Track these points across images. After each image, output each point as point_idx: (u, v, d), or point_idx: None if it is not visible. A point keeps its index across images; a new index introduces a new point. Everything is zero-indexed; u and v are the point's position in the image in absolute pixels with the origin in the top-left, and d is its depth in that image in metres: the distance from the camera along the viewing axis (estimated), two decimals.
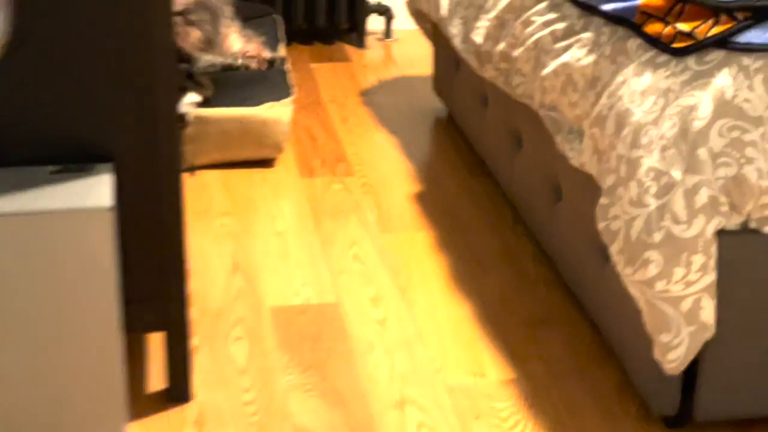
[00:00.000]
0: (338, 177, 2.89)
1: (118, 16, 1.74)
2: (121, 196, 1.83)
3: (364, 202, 2.76)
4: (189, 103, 2.82)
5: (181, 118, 2.82)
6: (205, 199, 2.75)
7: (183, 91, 2.84)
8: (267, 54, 3.19)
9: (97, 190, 1.74)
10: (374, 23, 3.92)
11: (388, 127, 3.21)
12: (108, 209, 1.70)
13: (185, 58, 3.04)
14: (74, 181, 1.76)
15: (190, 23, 3.07)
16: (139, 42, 1.77)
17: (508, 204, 2.75)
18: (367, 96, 3.44)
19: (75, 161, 1.81)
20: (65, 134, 1.79)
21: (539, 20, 2.31)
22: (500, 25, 2.51)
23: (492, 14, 2.56)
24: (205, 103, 2.86)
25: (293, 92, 3.00)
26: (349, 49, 3.85)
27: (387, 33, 3.94)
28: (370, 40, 3.91)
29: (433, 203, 2.77)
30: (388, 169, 2.95)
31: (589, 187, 2.10)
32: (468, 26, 2.74)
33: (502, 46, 2.48)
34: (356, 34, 3.86)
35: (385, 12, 3.90)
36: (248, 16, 3.55)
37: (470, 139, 2.99)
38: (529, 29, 2.33)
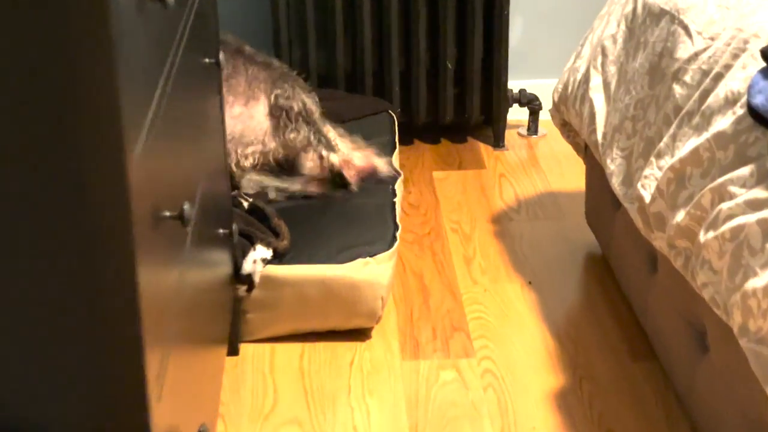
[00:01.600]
0: (452, 359, 2.15)
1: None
2: None
3: (484, 406, 2.01)
4: (257, 259, 2.14)
5: (246, 280, 2.14)
6: (271, 392, 2.06)
7: (250, 241, 2.16)
8: (384, 168, 2.49)
9: None
10: (516, 113, 3.17)
11: (525, 272, 2.45)
12: None
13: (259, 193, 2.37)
14: None
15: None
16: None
17: (686, 415, 1.95)
18: (502, 222, 2.69)
19: None
20: None
21: (742, 195, 1.52)
22: (679, 181, 1.73)
23: (667, 161, 1.78)
24: (277, 257, 2.18)
25: (398, 236, 2.28)
26: (484, 150, 3.10)
27: (531, 128, 3.17)
28: (510, 136, 3.16)
29: (580, 405, 2.00)
30: (520, 343, 2.20)
31: None
32: (631, 166, 1.97)
33: (681, 215, 1.70)
34: (493, 130, 3.11)
35: (530, 102, 3.14)
36: (357, 114, 2.86)
37: (632, 303, 2.20)
38: (726, 206, 1.55)
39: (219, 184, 1.92)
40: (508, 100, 3.08)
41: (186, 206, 1.28)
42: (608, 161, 2.08)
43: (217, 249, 1.88)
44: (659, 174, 1.80)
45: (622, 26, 2.17)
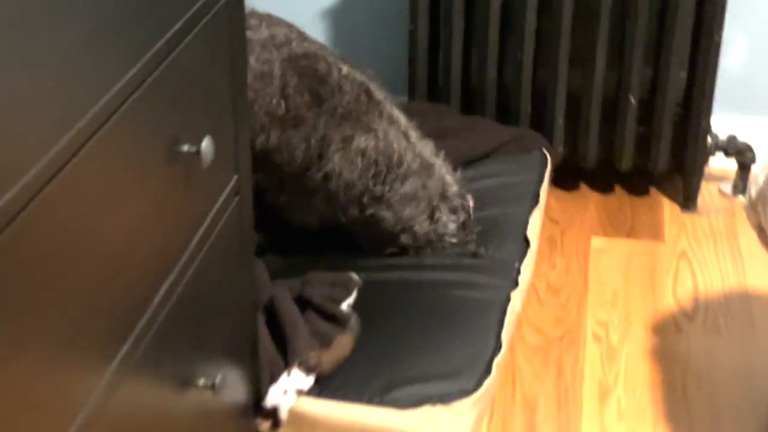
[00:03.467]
0: None
1: None
2: None
3: None
4: (289, 390, 1.56)
5: (270, 414, 1.56)
6: None
7: (283, 356, 1.58)
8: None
9: None
10: (721, 161, 2.42)
11: (680, 427, 1.75)
12: None
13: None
14: None
15: None
16: None
17: None
18: (667, 331, 1.98)
19: None
20: None
21: None
22: None
23: None
24: (318, 384, 1.59)
25: (497, 362, 1.63)
26: (668, 210, 2.36)
27: (739, 186, 2.40)
28: (708, 191, 2.40)
29: None
30: None
31: None
32: None
33: None
34: (684, 185, 2.37)
35: (740, 153, 2.36)
36: (499, 150, 2.20)
37: None
38: None
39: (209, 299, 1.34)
40: (708, 148, 2.32)
41: None
42: None
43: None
44: None
45: None
